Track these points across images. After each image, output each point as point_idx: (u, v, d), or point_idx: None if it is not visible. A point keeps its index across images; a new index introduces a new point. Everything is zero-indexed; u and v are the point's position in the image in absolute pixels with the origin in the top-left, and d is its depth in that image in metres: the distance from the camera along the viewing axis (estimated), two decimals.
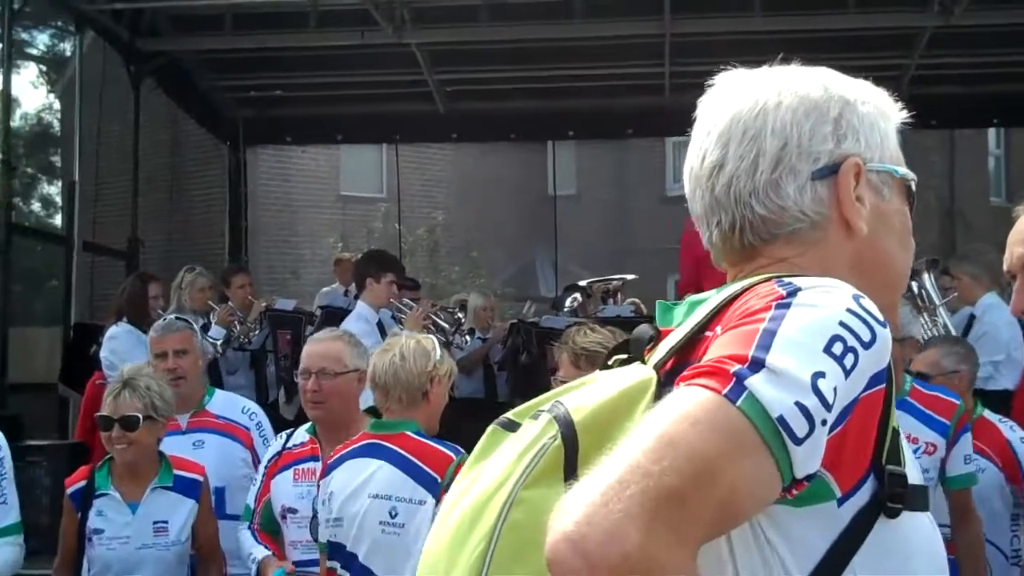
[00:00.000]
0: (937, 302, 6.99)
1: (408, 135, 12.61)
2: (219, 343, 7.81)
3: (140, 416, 4.27)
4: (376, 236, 18.63)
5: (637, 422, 1.25)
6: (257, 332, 8.18)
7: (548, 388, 5.83)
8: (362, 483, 3.78)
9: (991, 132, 23.46)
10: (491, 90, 11.40)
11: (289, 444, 4.42)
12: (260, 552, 4.31)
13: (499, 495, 1.30)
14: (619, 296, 10.28)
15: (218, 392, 5.36)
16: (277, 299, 8.68)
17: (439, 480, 3.69)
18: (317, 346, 4.38)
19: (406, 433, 3.83)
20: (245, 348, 8.15)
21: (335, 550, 3.83)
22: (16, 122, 22.11)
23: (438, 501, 3.67)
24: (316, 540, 4.04)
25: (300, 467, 4.28)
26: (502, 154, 18.50)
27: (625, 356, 1.47)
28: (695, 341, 1.37)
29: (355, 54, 10.29)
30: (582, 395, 1.36)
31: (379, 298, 7.24)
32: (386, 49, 10.05)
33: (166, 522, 4.33)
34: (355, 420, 4.25)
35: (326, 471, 3.94)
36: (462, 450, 3.84)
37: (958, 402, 4.58)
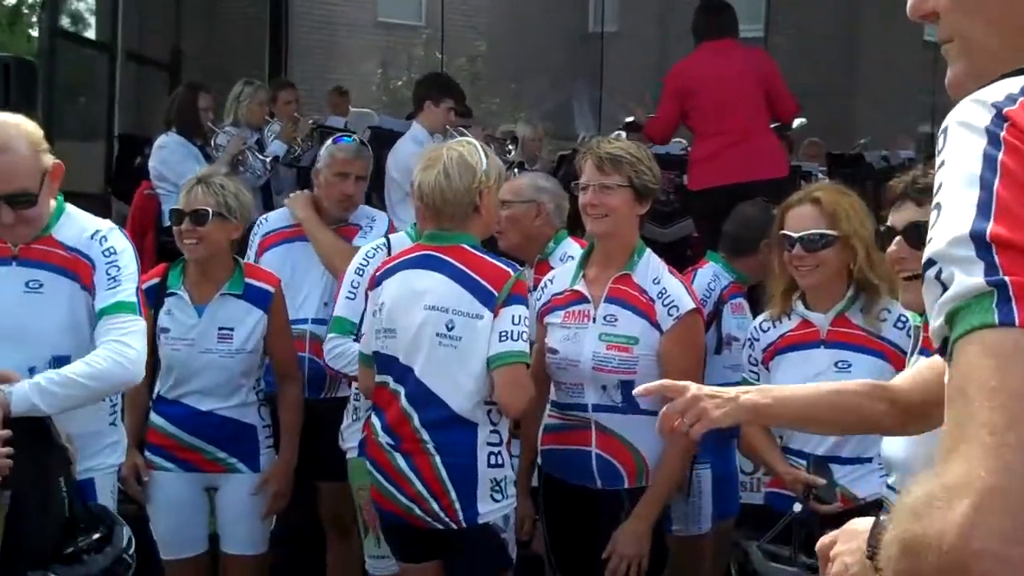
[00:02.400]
0: None
1: None
2: (269, 160, 7.71)
3: (210, 211, 4.20)
4: (416, 63, 18.34)
5: None
6: (308, 147, 8.07)
7: (661, 209, 5.69)
8: (417, 294, 3.72)
9: None
10: None
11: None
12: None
13: None
14: None
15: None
16: (328, 116, 8.53)
17: (495, 294, 3.64)
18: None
19: (462, 246, 3.75)
20: (295, 165, 8.05)
21: (385, 363, 3.78)
22: None
23: (495, 316, 3.65)
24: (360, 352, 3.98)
25: None
26: None
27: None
28: None
29: None
30: None
31: (436, 122, 7.12)
32: None
33: (232, 329, 4.28)
34: None
35: (376, 281, 3.86)
36: (520, 267, 3.81)
37: None
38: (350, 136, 5.42)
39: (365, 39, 19.99)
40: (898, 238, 2.73)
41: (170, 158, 7.20)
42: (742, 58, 6.86)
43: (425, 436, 3.70)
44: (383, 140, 7.43)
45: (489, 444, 3.71)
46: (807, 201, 3.73)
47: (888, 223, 2.77)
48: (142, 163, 7.76)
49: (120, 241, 3.60)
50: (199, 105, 7.51)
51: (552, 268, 4.33)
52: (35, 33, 34.85)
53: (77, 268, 3.51)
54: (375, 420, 3.84)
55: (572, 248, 4.63)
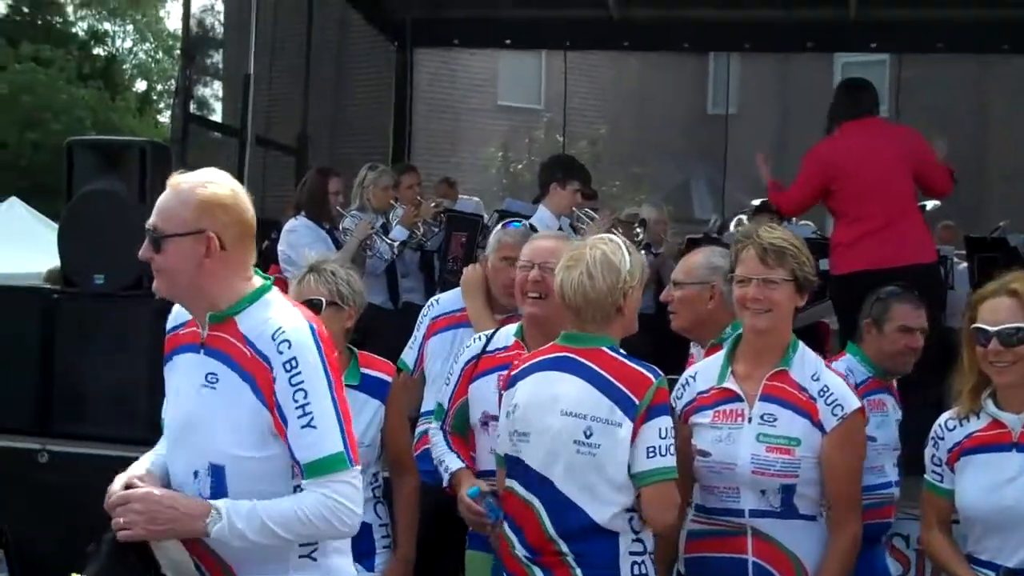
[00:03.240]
0: None
1: (578, 42, 12.28)
2: (397, 244, 7.69)
3: (324, 300, 4.11)
4: (537, 146, 18.43)
5: None
6: (434, 233, 8.04)
7: None
8: (552, 398, 3.56)
9: None
10: None
11: (491, 348, 4.18)
12: (454, 462, 4.09)
13: None
14: (794, 219, 9.96)
15: None
16: (459, 200, 8.51)
17: (636, 403, 3.46)
18: (542, 242, 4.23)
19: (602, 349, 3.58)
20: (421, 248, 8.03)
21: (514, 465, 3.64)
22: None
23: (637, 426, 3.46)
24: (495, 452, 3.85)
25: (504, 372, 3.98)
26: (664, 68, 18.09)
27: None
28: None
29: None
30: None
31: (562, 205, 7.03)
32: None
33: None
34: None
35: (510, 381, 3.73)
36: (661, 373, 3.61)
37: None
38: (519, 221, 5.35)
39: (486, 123, 20.19)
40: None
41: (299, 242, 7.20)
42: (889, 136, 6.65)
43: (564, 548, 3.53)
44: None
45: (632, 554, 3.53)
46: (1003, 293, 3.51)
47: None
48: (270, 246, 7.79)
49: (304, 349, 2.87)
50: (329, 189, 7.54)
51: None
52: (163, 119, 36.15)
53: (256, 371, 2.89)
54: (510, 532, 3.67)
55: None
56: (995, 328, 3.45)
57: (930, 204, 8.29)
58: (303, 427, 2.83)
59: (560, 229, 7.05)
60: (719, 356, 3.85)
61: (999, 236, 9.09)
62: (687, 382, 3.89)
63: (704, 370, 3.87)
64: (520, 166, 19.70)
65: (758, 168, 7.31)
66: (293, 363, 2.85)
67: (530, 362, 3.73)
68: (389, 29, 11.98)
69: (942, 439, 3.64)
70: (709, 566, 3.73)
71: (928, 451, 3.72)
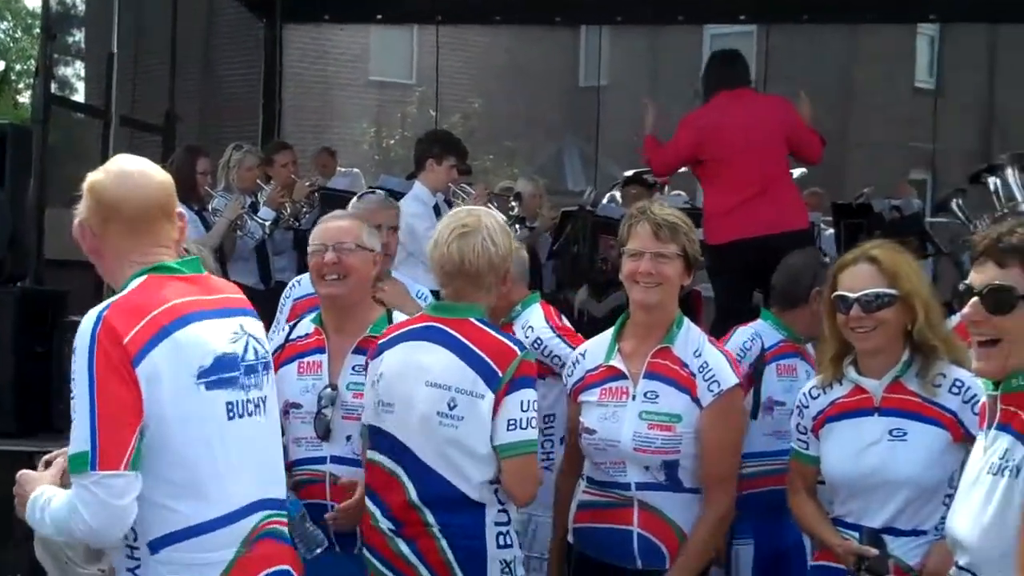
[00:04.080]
0: (1019, 198, 6.70)
1: (450, 16, 12.21)
2: (267, 224, 7.58)
3: None
4: (410, 121, 18.35)
5: None
6: (308, 212, 7.94)
7: (597, 279, 5.58)
8: (418, 368, 3.53)
9: None
10: None
11: (293, 336, 4.04)
12: None
13: None
14: (665, 188, 10.06)
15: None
16: (335, 177, 8.38)
17: (500, 375, 3.45)
18: (333, 223, 4.04)
19: (470, 320, 3.56)
20: (294, 228, 7.92)
21: (380, 440, 3.59)
22: None
23: (499, 398, 3.46)
24: (318, 436, 3.81)
25: (305, 360, 3.94)
26: (535, 42, 18.11)
27: None
28: None
29: None
30: None
31: (438, 181, 6.99)
32: None
33: None
34: (367, 307, 3.99)
35: (377, 351, 3.68)
36: (527, 346, 3.62)
37: None
38: (373, 191, 5.29)
39: (358, 98, 19.99)
40: (975, 300, 2.56)
41: None
42: (762, 105, 6.75)
43: (430, 519, 3.51)
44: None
45: (497, 524, 3.53)
46: (863, 259, 3.54)
47: (967, 281, 2.60)
48: None
49: (81, 338, 2.71)
50: (197, 169, 7.39)
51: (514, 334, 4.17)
52: (23, 99, 34.99)
53: None
54: (372, 504, 3.62)
55: (535, 316, 4.60)
56: (855, 295, 3.49)
57: (797, 172, 8.44)
58: (72, 419, 2.74)
59: (436, 205, 7.03)
60: (607, 334, 3.87)
61: (864, 202, 9.33)
62: (577, 360, 3.90)
63: (593, 348, 3.90)
64: (393, 141, 19.58)
65: (643, 113, 7.24)
66: (74, 352, 2.73)
67: (397, 332, 3.68)
68: (257, 5, 11.75)
69: (807, 407, 3.68)
70: (597, 536, 3.76)
71: (793, 419, 3.77)
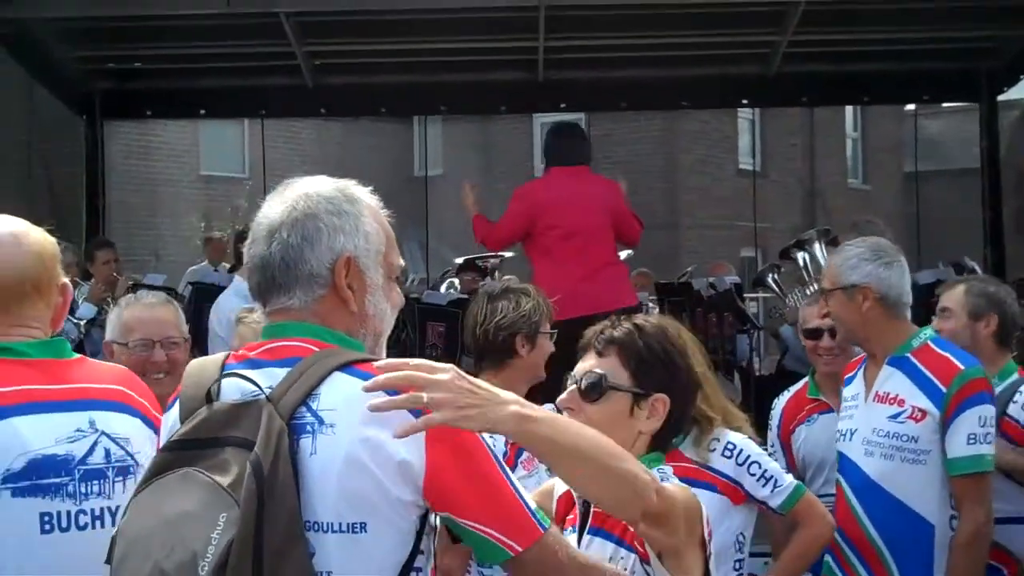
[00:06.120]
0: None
1: (275, 110, 12.19)
2: (83, 323, 7.41)
3: None
4: (240, 215, 18.17)
5: None
6: None
7: None
8: None
9: (848, 114, 24.09)
10: (361, 64, 11.07)
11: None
12: None
13: None
14: (496, 274, 10.18)
15: None
16: (147, 274, 8.28)
17: None
18: (155, 311, 3.72)
19: None
20: None
21: None
22: None
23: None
24: None
25: None
26: (368, 133, 18.23)
27: None
28: None
29: (219, 25, 9.85)
30: None
31: None
32: (252, 19, 9.65)
33: None
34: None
35: None
36: None
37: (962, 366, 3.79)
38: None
39: (188, 193, 19.74)
40: (572, 388, 2.59)
41: None
42: (594, 185, 6.85)
43: None
44: (204, 295, 7.20)
45: None
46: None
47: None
48: None
49: None
50: None
51: None
52: None
53: None
54: None
55: None
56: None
57: (624, 253, 8.65)
58: None
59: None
60: None
61: (685, 281, 9.60)
62: None
63: None
64: (224, 236, 19.37)
65: (464, 197, 7.29)
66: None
67: None
68: (77, 102, 11.55)
69: None
70: None
71: None
